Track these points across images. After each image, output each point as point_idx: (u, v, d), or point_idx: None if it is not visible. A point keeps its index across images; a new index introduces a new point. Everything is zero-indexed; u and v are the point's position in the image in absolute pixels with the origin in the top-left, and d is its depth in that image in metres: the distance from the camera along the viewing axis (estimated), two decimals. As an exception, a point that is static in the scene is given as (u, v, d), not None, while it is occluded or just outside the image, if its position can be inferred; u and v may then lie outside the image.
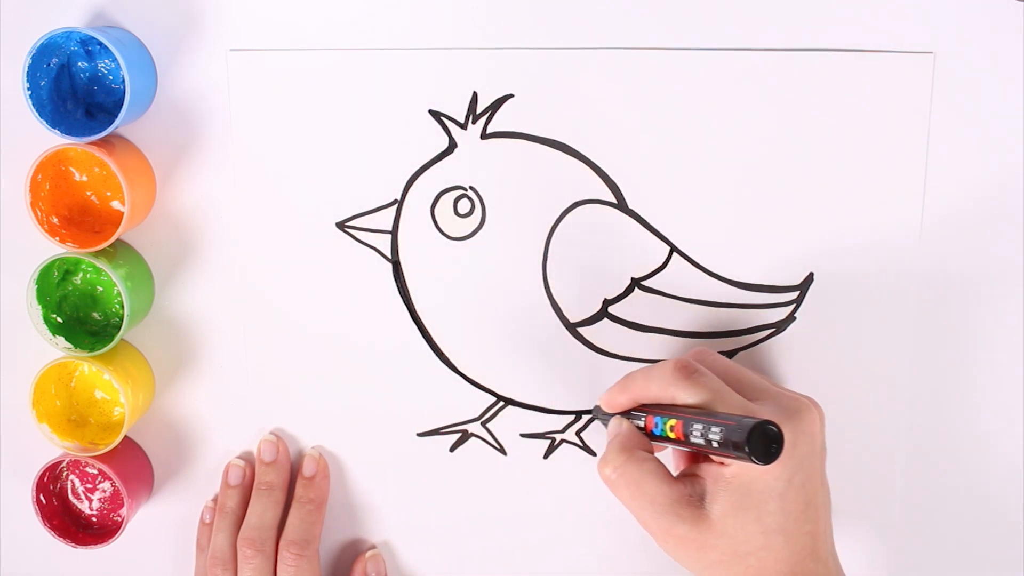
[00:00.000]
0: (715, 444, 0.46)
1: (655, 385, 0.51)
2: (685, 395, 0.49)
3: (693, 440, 0.47)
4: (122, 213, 0.57)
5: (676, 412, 0.49)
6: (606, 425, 0.55)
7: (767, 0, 0.55)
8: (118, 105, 0.56)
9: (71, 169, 0.58)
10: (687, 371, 0.50)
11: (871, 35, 0.55)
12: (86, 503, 0.62)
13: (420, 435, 0.61)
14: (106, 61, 0.57)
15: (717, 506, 0.49)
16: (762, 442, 0.44)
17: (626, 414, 0.53)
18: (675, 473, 0.51)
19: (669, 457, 0.56)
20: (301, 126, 0.58)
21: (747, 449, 0.43)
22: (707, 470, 0.49)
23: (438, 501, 0.62)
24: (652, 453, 0.51)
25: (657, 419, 0.50)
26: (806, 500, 0.49)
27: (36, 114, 0.54)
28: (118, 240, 0.58)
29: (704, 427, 0.46)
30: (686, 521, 0.49)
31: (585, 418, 0.60)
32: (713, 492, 0.49)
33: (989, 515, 0.61)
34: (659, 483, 0.49)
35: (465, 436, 0.61)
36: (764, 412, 0.48)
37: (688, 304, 0.58)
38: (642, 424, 0.52)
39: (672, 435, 0.49)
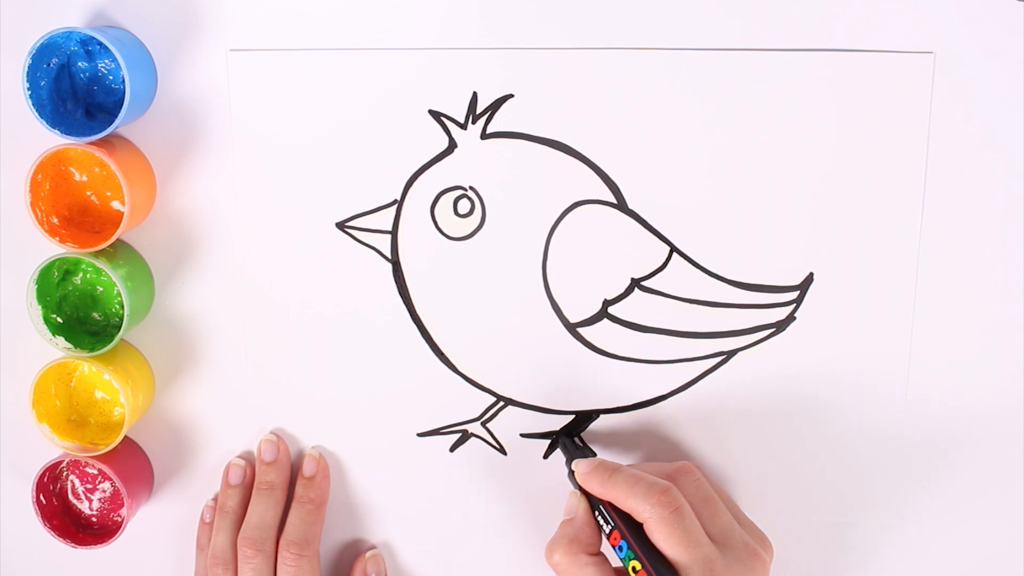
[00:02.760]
0: None
1: (634, 503, 0.52)
2: (661, 531, 0.51)
3: None
4: (122, 213, 0.57)
5: (644, 553, 0.51)
6: (566, 457, 0.58)
7: (767, 0, 0.55)
8: (118, 105, 0.56)
9: (71, 169, 0.58)
10: (670, 507, 0.51)
11: (871, 35, 0.55)
12: (86, 503, 0.62)
13: (420, 435, 0.61)
14: (106, 61, 0.57)
15: None
16: None
17: (589, 496, 0.55)
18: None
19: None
20: (301, 126, 0.58)
21: None
22: None
23: (438, 501, 0.62)
24: (598, 550, 0.53)
25: (624, 546, 0.52)
26: None
27: (36, 114, 0.54)
28: (118, 240, 0.58)
29: None
30: None
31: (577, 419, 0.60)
32: None
33: (989, 516, 0.61)
34: None
35: (465, 436, 0.61)
36: (724, 566, 0.50)
37: (688, 304, 0.58)
38: (605, 528, 0.53)
39: (631, 567, 0.51)
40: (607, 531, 0.53)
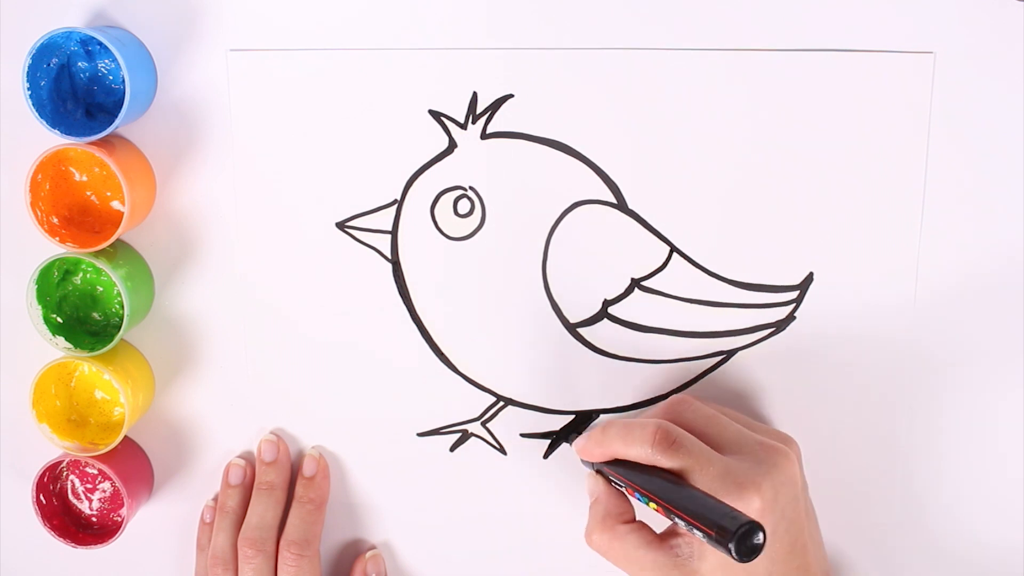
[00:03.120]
0: (699, 535, 0.47)
1: (634, 450, 0.51)
2: (665, 462, 0.50)
3: (676, 522, 0.49)
4: (122, 213, 0.57)
5: (655, 491, 0.50)
6: (571, 445, 0.57)
7: (767, 0, 0.55)
8: (118, 105, 0.56)
9: (71, 169, 0.58)
10: (667, 441, 0.50)
11: (871, 35, 0.55)
12: (86, 503, 0.62)
13: (420, 435, 0.61)
14: (106, 61, 0.57)
15: (705, 564, 0.50)
16: (745, 541, 0.45)
17: (602, 466, 0.54)
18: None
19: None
20: (301, 126, 0.58)
21: (732, 552, 0.45)
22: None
23: (438, 501, 0.62)
24: (633, 517, 0.53)
25: (639, 497, 0.51)
26: (791, 542, 0.51)
27: (36, 114, 0.54)
28: (118, 240, 0.58)
29: (686, 525, 0.48)
30: None
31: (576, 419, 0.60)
32: (701, 551, 0.50)
33: (989, 514, 0.61)
34: (647, 551, 0.51)
35: (465, 436, 0.61)
36: (743, 470, 0.49)
37: (688, 304, 0.58)
38: (621, 487, 0.53)
39: (653, 509, 0.50)
40: (623, 492, 0.53)
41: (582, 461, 0.56)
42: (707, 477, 0.49)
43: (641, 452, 0.51)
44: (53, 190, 0.57)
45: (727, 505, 0.47)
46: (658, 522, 0.53)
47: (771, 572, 0.50)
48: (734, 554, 0.44)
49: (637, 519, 0.53)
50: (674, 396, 0.56)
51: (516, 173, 0.57)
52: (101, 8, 0.57)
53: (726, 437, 0.52)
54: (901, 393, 0.59)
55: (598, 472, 0.55)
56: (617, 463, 0.53)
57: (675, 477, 0.50)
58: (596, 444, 0.53)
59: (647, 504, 0.50)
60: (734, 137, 0.56)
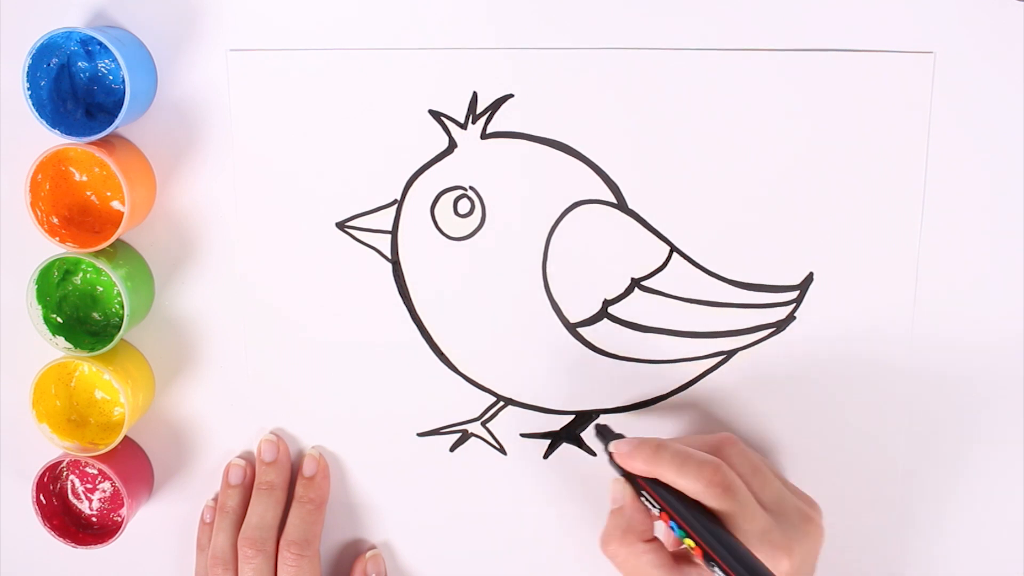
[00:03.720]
0: None
1: (685, 482, 0.51)
2: (712, 503, 0.50)
3: (712, 568, 0.49)
4: (122, 213, 0.57)
5: (697, 530, 0.50)
6: (602, 442, 0.56)
7: (767, 0, 0.55)
8: (118, 105, 0.56)
9: (71, 169, 0.58)
10: (723, 485, 0.50)
11: (871, 35, 0.55)
12: (86, 503, 0.62)
13: (420, 435, 0.61)
14: (106, 61, 0.57)
15: None
16: None
17: (632, 478, 0.54)
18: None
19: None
20: (301, 126, 0.58)
21: None
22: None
23: (438, 501, 0.62)
24: (652, 535, 0.53)
25: (674, 526, 0.51)
26: None
27: (36, 114, 0.54)
28: (118, 240, 0.58)
29: (720, 571, 0.48)
30: None
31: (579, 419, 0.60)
32: None
33: (990, 515, 0.61)
34: (660, 573, 0.51)
35: (465, 436, 0.61)
36: (781, 532, 0.50)
37: (688, 304, 0.58)
38: (654, 510, 0.52)
39: (689, 545, 0.50)
40: (656, 513, 0.52)
41: (610, 463, 0.55)
42: (748, 529, 0.50)
43: (692, 487, 0.51)
44: (53, 190, 0.57)
45: (763, 565, 0.48)
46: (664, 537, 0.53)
47: None
48: None
49: (656, 538, 0.53)
50: (723, 435, 0.55)
51: (516, 173, 0.57)
52: (101, 8, 0.57)
53: (768, 494, 0.53)
54: (901, 393, 0.59)
55: (628, 480, 0.54)
56: (656, 483, 0.52)
57: (714, 516, 0.50)
58: (644, 460, 0.52)
59: (681, 537, 0.50)
60: (734, 137, 0.56)
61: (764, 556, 0.49)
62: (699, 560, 0.49)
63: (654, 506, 0.52)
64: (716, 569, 0.48)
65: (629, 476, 0.54)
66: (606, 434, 0.57)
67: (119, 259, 0.57)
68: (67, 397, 0.60)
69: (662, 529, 0.53)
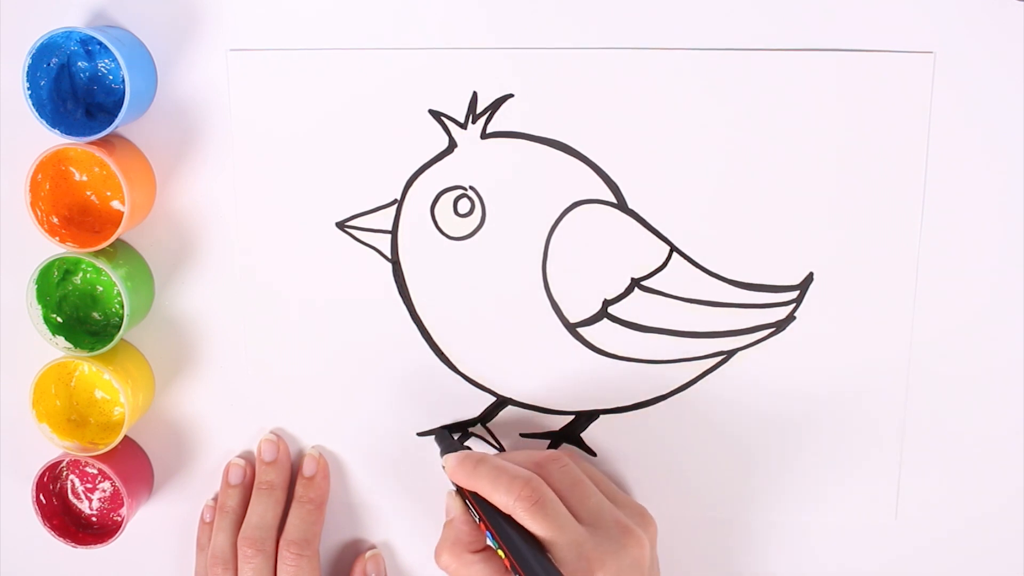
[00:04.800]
0: None
1: (499, 496, 0.52)
2: (525, 522, 0.51)
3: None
4: (122, 213, 0.57)
5: (505, 542, 0.51)
6: (440, 447, 0.58)
7: (768, 0, 0.55)
8: (118, 105, 0.56)
9: (71, 169, 0.58)
10: (531, 499, 0.51)
11: (871, 35, 0.55)
12: (86, 503, 0.62)
13: (420, 435, 0.61)
14: (106, 61, 0.57)
15: None
16: None
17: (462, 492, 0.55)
18: None
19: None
20: (301, 126, 0.58)
21: None
22: None
23: (438, 501, 0.62)
24: (483, 545, 0.53)
25: (489, 536, 0.52)
26: None
27: (36, 114, 0.54)
28: (118, 240, 0.58)
29: None
30: None
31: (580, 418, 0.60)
32: None
33: (989, 515, 0.61)
34: None
35: (465, 436, 0.61)
36: (593, 545, 0.51)
37: (688, 304, 0.58)
38: (476, 519, 0.54)
39: (501, 555, 0.51)
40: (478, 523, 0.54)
41: (438, 445, 0.57)
42: (560, 542, 0.50)
43: (504, 501, 0.52)
44: (53, 190, 0.57)
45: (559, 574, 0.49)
46: None
47: None
48: None
49: (488, 546, 0.53)
50: (549, 452, 0.57)
51: (516, 173, 0.57)
52: (101, 8, 0.57)
53: (587, 506, 0.53)
54: (900, 393, 0.59)
55: (458, 493, 0.55)
56: (478, 495, 0.54)
57: (529, 535, 0.51)
58: (466, 475, 0.54)
59: (496, 548, 0.51)
60: (734, 137, 0.56)
61: (576, 569, 0.50)
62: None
63: (476, 518, 0.53)
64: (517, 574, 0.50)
65: (459, 491, 0.55)
66: (446, 442, 0.59)
67: (119, 259, 0.57)
68: (67, 397, 0.60)
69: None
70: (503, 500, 0.52)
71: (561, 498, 0.53)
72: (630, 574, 0.51)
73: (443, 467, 0.56)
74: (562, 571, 0.49)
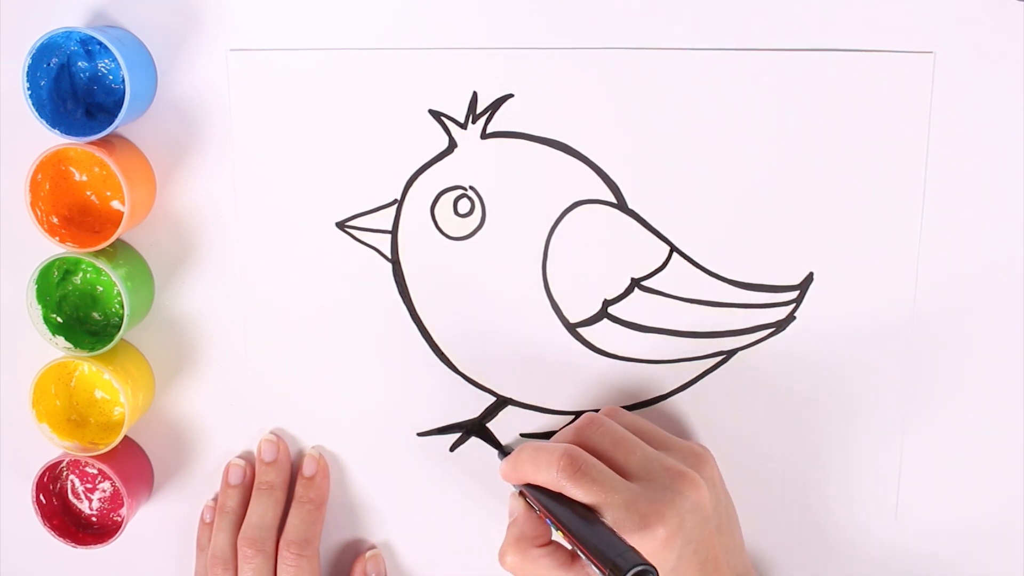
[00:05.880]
0: (595, 572, 0.48)
1: (543, 475, 0.52)
2: (572, 492, 0.51)
3: (579, 554, 0.49)
4: (122, 213, 0.57)
5: (561, 519, 0.50)
6: (499, 454, 0.58)
7: (767, 0, 0.55)
8: (118, 105, 0.56)
9: (71, 169, 0.58)
10: (572, 467, 0.51)
11: (871, 35, 0.55)
12: (86, 503, 0.62)
13: (420, 435, 0.61)
14: (106, 61, 0.57)
15: None
16: None
17: (524, 487, 0.54)
18: None
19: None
20: (301, 126, 0.58)
21: None
22: None
23: (438, 501, 0.62)
24: (548, 540, 0.53)
25: (550, 524, 0.51)
26: (700, 561, 0.50)
27: (36, 114, 0.54)
28: (118, 240, 0.58)
29: (586, 559, 0.48)
30: None
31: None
32: None
33: (988, 515, 0.61)
34: (558, 574, 0.51)
35: (465, 436, 0.61)
36: (647, 499, 0.50)
37: (688, 304, 0.58)
38: (537, 513, 0.53)
39: (563, 537, 0.50)
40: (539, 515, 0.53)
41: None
42: (612, 507, 0.49)
43: (548, 478, 0.51)
44: (53, 190, 0.57)
45: (624, 543, 0.47)
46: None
47: None
48: None
49: (553, 540, 0.53)
50: (587, 415, 0.56)
51: (516, 173, 0.57)
52: (101, 8, 0.57)
53: (633, 462, 0.52)
54: (900, 393, 0.59)
55: (520, 493, 0.55)
56: (532, 486, 0.53)
57: (583, 508, 0.50)
58: (511, 468, 0.54)
59: (557, 532, 0.51)
60: (734, 137, 0.56)
61: (634, 526, 0.48)
62: (582, 559, 0.49)
63: (536, 510, 0.53)
64: (581, 555, 0.48)
65: (521, 491, 0.55)
66: (495, 445, 0.59)
67: (119, 259, 0.57)
68: (67, 397, 0.60)
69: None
70: (547, 478, 0.51)
71: (605, 459, 0.52)
72: (692, 520, 0.50)
73: (501, 476, 0.56)
74: (620, 533, 0.48)
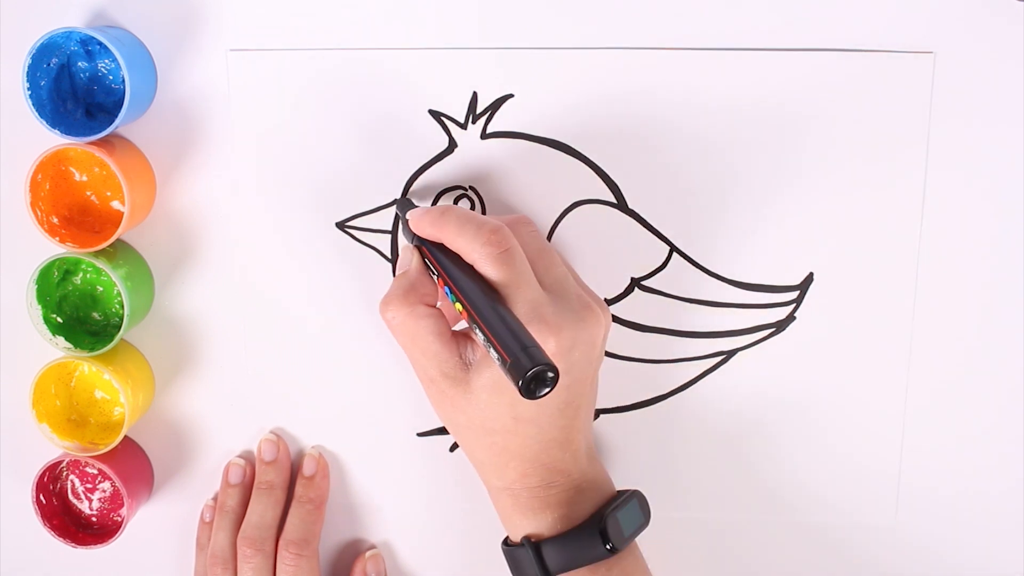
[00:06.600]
0: (494, 356, 0.45)
1: (463, 242, 0.49)
2: (487, 269, 0.49)
3: (476, 333, 0.47)
4: (122, 213, 0.57)
5: (467, 292, 0.48)
6: (400, 212, 0.55)
7: (767, 0, 0.55)
8: (118, 105, 0.56)
9: (71, 169, 0.58)
10: (502, 245, 0.49)
11: (871, 35, 0.55)
12: (86, 503, 0.62)
13: (420, 435, 0.61)
14: (106, 61, 0.57)
15: (479, 379, 0.49)
16: (534, 382, 0.43)
17: (425, 243, 0.52)
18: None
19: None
20: (301, 126, 0.58)
21: (519, 386, 0.43)
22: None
23: (438, 501, 0.62)
24: (435, 303, 0.51)
25: (447, 292, 0.49)
26: (567, 400, 0.50)
27: (36, 114, 0.54)
28: (118, 240, 0.58)
29: (485, 342, 0.45)
30: (448, 379, 0.50)
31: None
32: (480, 365, 0.50)
33: (988, 515, 0.61)
34: (435, 339, 0.50)
35: None
36: (553, 310, 0.48)
37: (688, 304, 0.58)
38: (434, 274, 0.51)
39: (458, 310, 0.48)
40: (435, 279, 0.51)
41: (403, 231, 0.54)
42: (520, 301, 0.48)
43: (470, 246, 0.49)
44: (53, 190, 0.57)
45: (533, 339, 0.45)
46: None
47: (537, 416, 0.50)
48: (520, 388, 0.43)
49: (438, 308, 0.51)
50: (519, 215, 0.54)
51: (516, 173, 0.57)
52: (101, 8, 0.57)
53: (552, 274, 0.51)
54: (900, 393, 0.59)
55: (417, 248, 0.53)
56: (441, 249, 0.51)
57: (489, 289, 0.48)
58: (430, 222, 0.51)
59: (453, 302, 0.48)
60: (734, 137, 0.56)
61: (531, 330, 0.46)
62: (475, 335, 0.47)
63: (434, 273, 0.51)
64: (480, 335, 0.46)
65: (418, 246, 0.53)
66: (405, 206, 0.55)
67: (119, 259, 0.57)
68: (67, 397, 0.60)
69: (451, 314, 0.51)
70: (468, 246, 0.49)
71: (528, 261, 0.50)
72: (583, 349, 0.49)
73: (404, 221, 0.53)
74: None
